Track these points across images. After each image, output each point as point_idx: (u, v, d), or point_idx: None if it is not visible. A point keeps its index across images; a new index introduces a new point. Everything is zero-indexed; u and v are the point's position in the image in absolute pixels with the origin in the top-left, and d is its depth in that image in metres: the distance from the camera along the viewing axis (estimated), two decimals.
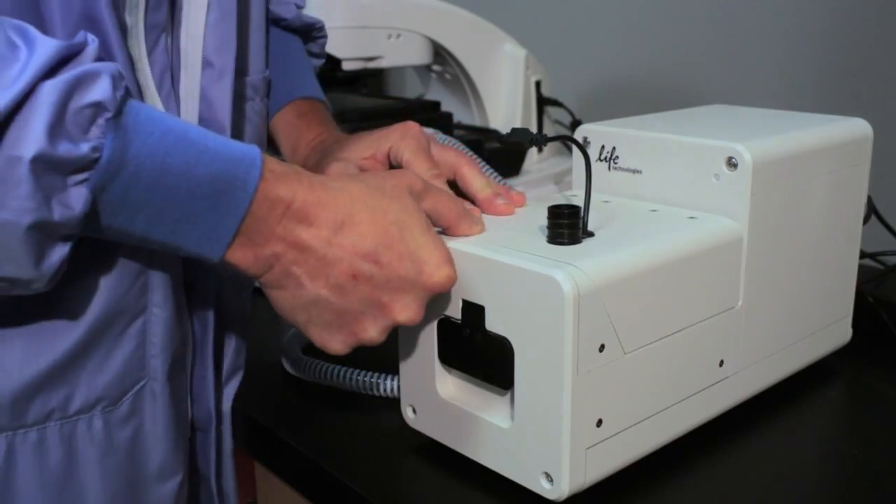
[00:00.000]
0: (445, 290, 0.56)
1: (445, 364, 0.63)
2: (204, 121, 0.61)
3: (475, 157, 0.82)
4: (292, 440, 0.68)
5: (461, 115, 1.24)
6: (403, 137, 0.69)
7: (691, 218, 0.64)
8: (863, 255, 0.80)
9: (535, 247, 0.57)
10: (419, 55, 1.16)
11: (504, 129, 1.19)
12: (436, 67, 1.25)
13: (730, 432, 0.67)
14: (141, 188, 0.48)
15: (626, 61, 1.34)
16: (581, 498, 0.57)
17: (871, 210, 0.83)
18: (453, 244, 0.59)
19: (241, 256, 0.52)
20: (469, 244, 0.59)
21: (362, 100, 1.19)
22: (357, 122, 1.00)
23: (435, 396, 0.63)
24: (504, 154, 1.08)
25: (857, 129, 0.73)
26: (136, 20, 0.55)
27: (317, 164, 0.73)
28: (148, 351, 0.58)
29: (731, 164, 0.63)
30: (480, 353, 0.59)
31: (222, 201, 0.50)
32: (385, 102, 1.18)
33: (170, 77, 0.59)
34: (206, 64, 0.61)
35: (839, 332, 0.78)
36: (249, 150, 0.51)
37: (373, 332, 0.56)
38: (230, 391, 0.69)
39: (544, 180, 1.15)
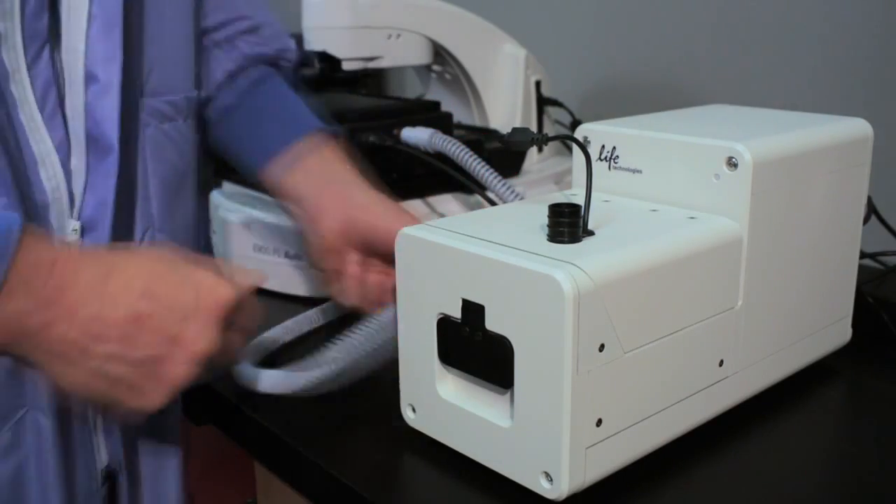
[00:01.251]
0: (230, 304, 0.53)
1: (445, 363, 0.63)
2: (92, 138, 0.59)
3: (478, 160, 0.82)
4: (292, 440, 0.68)
5: (461, 115, 1.24)
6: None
7: (691, 218, 0.64)
8: (863, 255, 0.80)
9: (536, 245, 0.57)
10: (419, 55, 1.16)
11: (504, 129, 1.19)
12: (436, 67, 1.24)
13: (730, 432, 0.67)
14: None
15: (626, 61, 1.33)
16: (581, 498, 0.57)
17: (871, 210, 0.83)
18: (451, 241, 0.59)
19: (4, 331, 0.49)
20: (469, 243, 0.59)
21: (362, 100, 1.18)
22: (357, 121, 1.00)
23: (435, 396, 0.63)
24: (504, 154, 1.08)
25: (857, 129, 0.73)
26: (12, 29, 0.53)
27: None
28: (24, 376, 0.55)
29: (732, 163, 0.63)
30: (480, 353, 0.59)
31: None
32: (385, 102, 1.18)
33: (56, 91, 0.57)
34: (91, 78, 0.58)
35: (839, 332, 0.78)
36: (7, 216, 0.49)
37: (179, 370, 0.52)
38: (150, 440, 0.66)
39: (544, 180, 1.15)
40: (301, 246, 0.93)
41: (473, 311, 0.58)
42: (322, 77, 1.25)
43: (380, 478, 0.63)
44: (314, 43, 1.14)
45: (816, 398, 0.74)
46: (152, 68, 0.64)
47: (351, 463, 0.65)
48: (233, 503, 0.96)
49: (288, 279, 0.96)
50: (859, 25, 1.05)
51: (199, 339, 0.52)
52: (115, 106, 0.59)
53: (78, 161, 0.59)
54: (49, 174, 0.57)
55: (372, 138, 0.97)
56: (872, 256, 0.90)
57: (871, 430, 0.69)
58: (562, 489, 0.56)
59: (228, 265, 0.58)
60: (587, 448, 0.56)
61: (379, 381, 0.75)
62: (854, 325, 0.79)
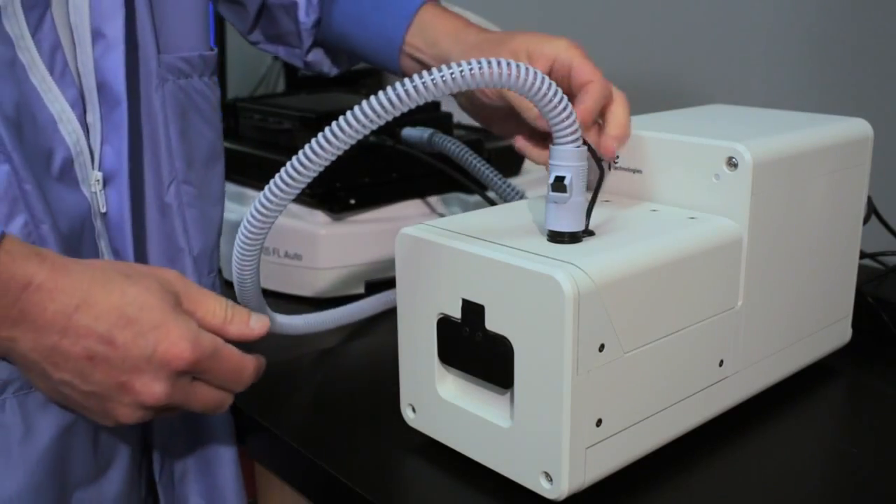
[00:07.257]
0: (186, 365, 0.54)
1: (445, 363, 0.63)
2: (102, 92, 0.62)
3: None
4: (292, 440, 0.68)
5: (461, 115, 1.23)
6: (571, 46, 0.71)
7: (691, 218, 0.64)
8: (863, 255, 0.80)
9: (536, 245, 0.57)
10: None
11: None
12: None
13: (730, 432, 0.67)
14: None
15: (626, 61, 1.34)
16: (581, 498, 0.57)
17: (871, 210, 0.83)
18: (451, 241, 0.59)
19: None
20: (469, 243, 0.59)
21: (362, 100, 1.18)
22: None
23: (435, 396, 0.63)
24: (504, 154, 1.08)
25: (857, 129, 0.73)
26: (11, 1, 0.56)
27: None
28: None
29: (732, 163, 0.63)
30: (480, 353, 0.59)
31: None
32: None
33: (62, 53, 0.60)
34: (98, 35, 0.62)
35: (839, 332, 0.78)
36: None
37: (125, 413, 0.55)
38: None
39: (544, 180, 1.15)
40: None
41: (473, 311, 0.58)
42: (322, 77, 1.25)
43: (380, 478, 0.63)
44: None
45: (816, 398, 0.74)
46: (163, 24, 0.68)
47: (351, 463, 0.65)
48: None
49: (288, 279, 0.96)
50: (859, 26, 1.05)
51: (146, 390, 0.54)
52: (121, 60, 0.63)
53: (93, 116, 0.63)
54: (68, 130, 0.61)
55: (372, 138, 0.97)
56: (872, 256, 0.90)
57: (871, 430, 0.69)
58: (562, 489, 0.56)
59: (230, 306, 0.59)
60: (587, 448, 0.56)
61: (379, 381, 0.75)
62: (854, 325, 0.79)
